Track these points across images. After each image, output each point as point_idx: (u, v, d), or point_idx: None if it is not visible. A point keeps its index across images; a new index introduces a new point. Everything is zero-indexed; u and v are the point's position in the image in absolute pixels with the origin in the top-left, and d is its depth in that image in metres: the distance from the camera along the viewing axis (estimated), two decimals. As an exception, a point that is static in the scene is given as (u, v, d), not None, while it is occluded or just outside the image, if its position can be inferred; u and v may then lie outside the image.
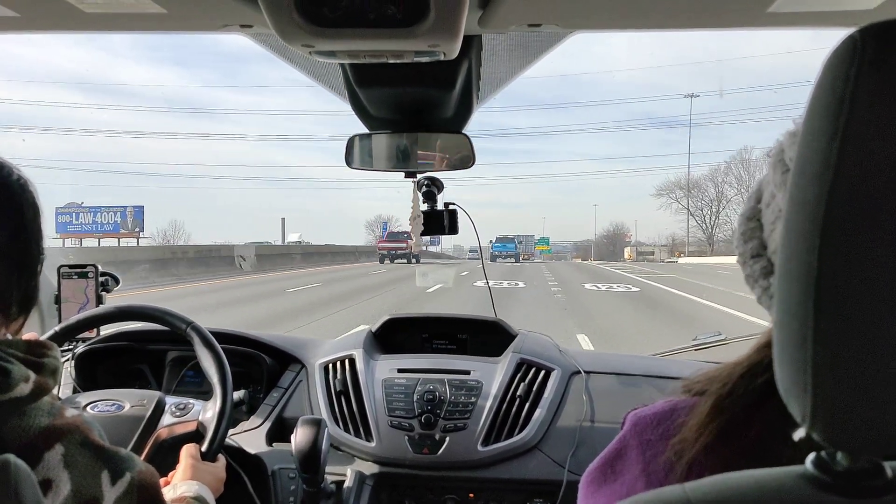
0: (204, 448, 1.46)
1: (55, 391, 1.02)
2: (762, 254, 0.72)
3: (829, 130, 0.46)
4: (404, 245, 36.33)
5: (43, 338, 1.20)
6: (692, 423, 0.72)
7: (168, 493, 1.29)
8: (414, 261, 36.53)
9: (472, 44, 1.45)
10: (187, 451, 1.43)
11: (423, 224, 1.93)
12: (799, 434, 0.52)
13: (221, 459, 1.50)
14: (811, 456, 0.54)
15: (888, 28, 0.46)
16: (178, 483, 1.34)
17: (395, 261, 36.10)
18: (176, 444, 1.49)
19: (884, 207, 0.45)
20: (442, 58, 1.26)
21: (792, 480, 0.53)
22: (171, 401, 1.60)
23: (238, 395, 1.77)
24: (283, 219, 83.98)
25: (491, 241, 57.90)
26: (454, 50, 1.22)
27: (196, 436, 1.53)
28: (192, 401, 1.62)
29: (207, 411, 1.56)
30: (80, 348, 2.09)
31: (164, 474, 1.36)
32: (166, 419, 1.55)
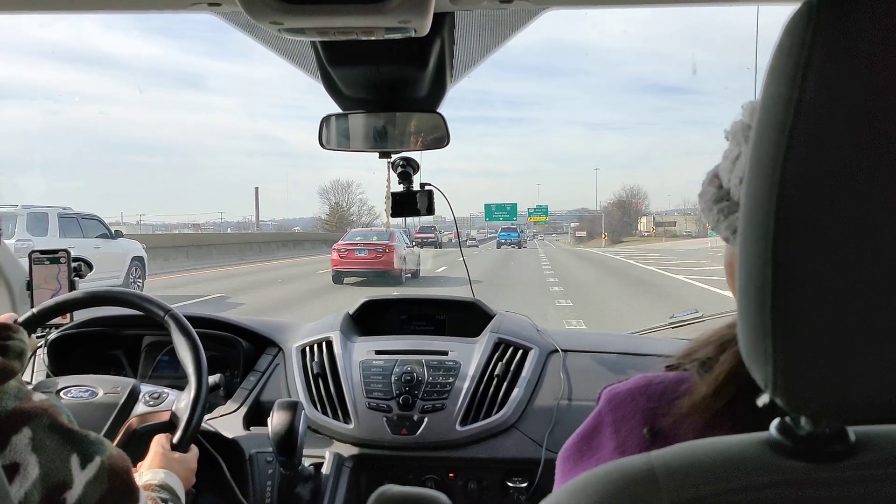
0: (175, 439, 1.44)
1: (23, 376, 1.01)
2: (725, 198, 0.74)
3: (785, 95, 0.46)
4: (433, 235, 50.58)
5: (11, 322, 1.18)
6: (709, 384, 0.71)
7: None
8: (439, 248, 46.72)
9: (444, 21, 1.44)
10: (158, 441, 1.41)
11: (398, 206, 1.91)
12: (763, 400, 0.52)
13: (194, 450, 1.49)
14: (775, 421, 0.54)
15: None
16: (144, 471, 1.32)
17: (425, 246, 43.31)
18: (148, 433, 1.48)
19: (837, 171, 0.45)
20: (413, 34, 1.24)
21: (755, 446, 0.53)
22: (145, 389, 1.58)
23: (214, 379, 1.76)
24: (257, 188, 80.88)
25: (497, 232, 71.06)
26: (425, 26, 1.21)
27: (169, 426, 1.51)
28: (166, 390, 1.60)
29: (181, 401, 1.54)
30: (54, 334, 2.06)
31: (135, 464, 1.35)
32: (139, 408, 1.53)
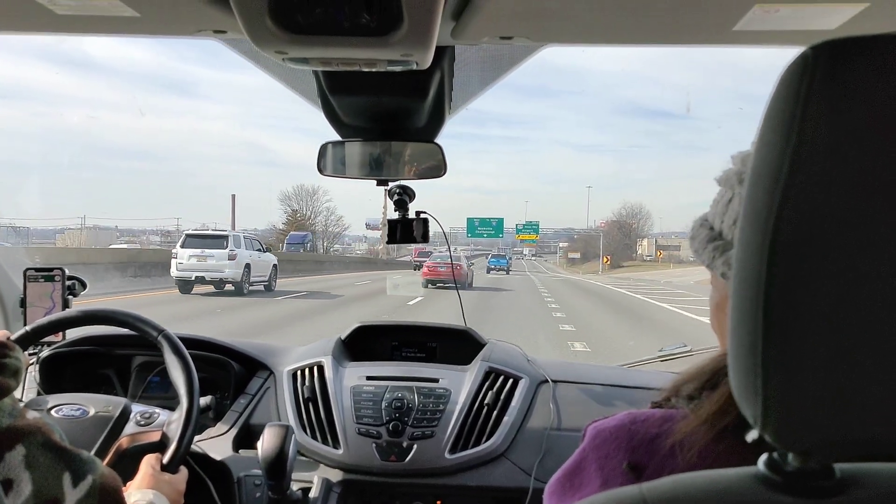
0: (165, 459, 1.44)
1: (17, 394, 1.02)
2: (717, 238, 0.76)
3: (780, 144, 0.48)
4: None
5: (6, 340, 1.19)
6: (700, 416, 0.72)
7: None
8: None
9: (444, 54, 1.47)
10: (147, 462, 1.41)
11: (394, 233, 1.93)
12: (752, 435, 0.54)
13: (183, 472, 1.48)
14: (763, 456, 0.55)
15: (838, 46, 0.48)
16: (133, 491, 1.32)
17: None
18: (138, 453, 1.47)
19: (830, 220, 0.47)
20: (415, 67, 1.27)
21: (745, 480, 0.54)
22: (136, 409, 1.58)
23: (205, 401, 1.76)
24: (234, 195, 69.21)
25: (487, 257, 68.89)
26: (427, 60, 1.24)
27: (159, 446, 1.51)
28: (157, 410, 1.60)
29: (172, 422, 1.53)
30: (46, 352, 2.06)
31: (124, 484, 1.35)
32: (130, 427, 1.53)
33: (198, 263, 18.76)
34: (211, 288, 19.55)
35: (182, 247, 19.22)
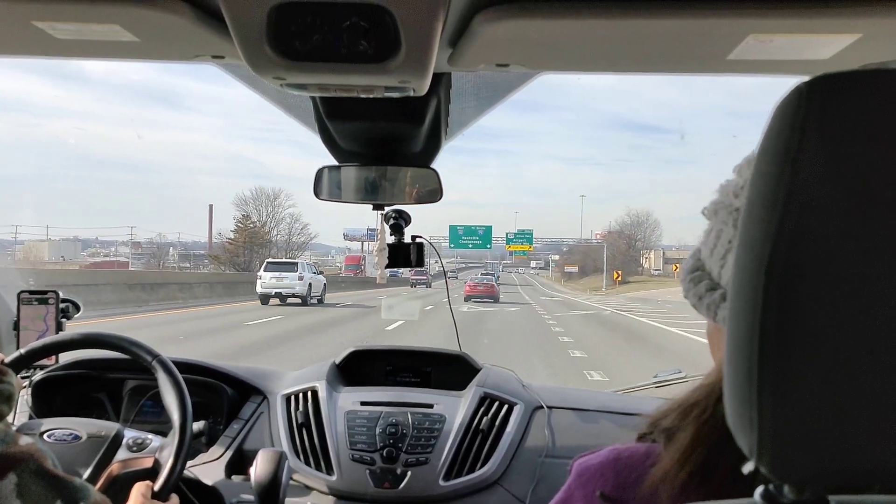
0: (157, 487, 1.42)
1: (9, 418, 1.01)
2: (716, 287, 0.74)
3: (775, 175, 0.49)
4: (424, 277, 54.76)
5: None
6: (672, 455, 0.71)
7: None
8: (425, 286, 53.30)
9: (441, 81, 1.48)
10: (138, 490, 1.39)
11: (389, 257, 1.94)
12: (748, 467, 0.54)
13: (174, 500, 1.47)
14: (759, 489, 0.55)
15: (832, 80, 0.48)
16: None
17: (417, 286, 52.94)
18: (130, 479, 1.45)
19: (826, 251, 0.47)
20: (412, 94, 1.28)
21: None
22: (129, 434, 1.57)
23: (197, 426, 1.74)
24: (211, 206, 65.93)
25: (475, 275, 62.60)
26: (424, 87, 1.25)
27: (151, 473, 1.50)
28: (150, 436, 1.59)
29: (165, 448, 1.52)
30: (38, 375, 2.04)
31: None
32: (122, 453, 1.51)
33: (276, 283, 25.32)
34: (276, 301, 25.74)
35: (265, 271, 26.16)
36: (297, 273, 25.85)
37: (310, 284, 26.37)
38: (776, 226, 0.48)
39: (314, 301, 26.91)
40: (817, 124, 0.48)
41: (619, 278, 67.38)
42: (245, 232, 59.36)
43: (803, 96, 0.49)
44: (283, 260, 32.21)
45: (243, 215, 61.15)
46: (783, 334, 0.48)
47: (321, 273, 31.58)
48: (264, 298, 25.60)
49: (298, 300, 25.79)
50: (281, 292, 25.38)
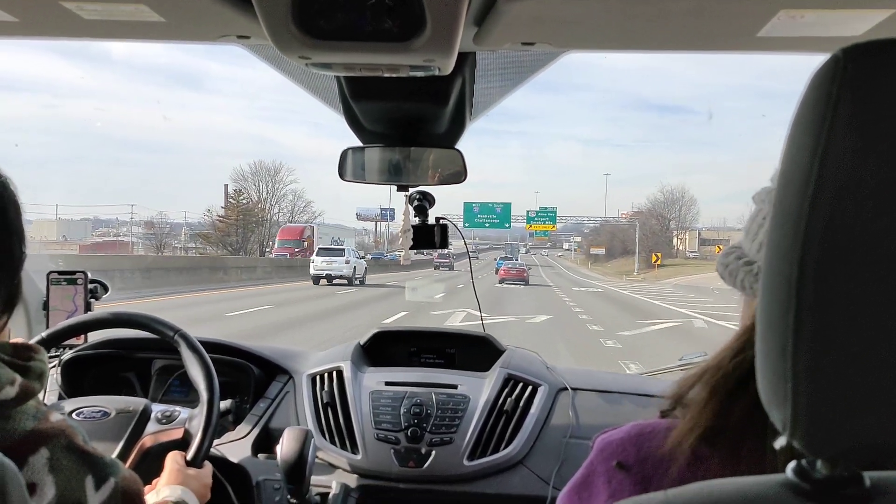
0: (190, 455, 1.45)
1: (40, 396, 1.02)
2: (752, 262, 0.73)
3: (811, 146, 0.48)
4: (447, 260, 57.52)
5: (31, 342, 1.20)
6: (686, 418, 0.72)
7: (150, 497, 1.28)
8: (451, 269, 55.21)
9: (466, 60, 1.47)
10: (172, 458, 1.42)
11: (413, 238, 1.94)
12: (780, 442, 0.53)
13: (208, 466, 1.49)
14: (792, 464, 0.55)
15: (869, 49, 0.47)
16: (162, 487, 1.33)
17: (441, 269, 55.73)
18: (161, 451, 1.48)
19: (861, 223, 0.46)
20: (437, 73, 1.27)
21: (773, 488, 0.54)
22: (157, 408, 1.59)
23: (225, 404, 1.76)
24: (227, 185, 57.33)
25: (496, 260, 62.55)
26: (449, 66, 1.24)
27: (182, 443, 1.52)
28: (178, 408, 1.61)
29: (194, 419, 1.55)
30: (67, 355, 2.08)
31: (149, 482, 1.35)
32: (152, 426, 1.54)
33: (327, 266, 29.81)
34: (324, 282, 29.81)
35: (317, 255, 30.80)
36: (345, 258, 30.38)
37: (354, 268, 30.61)
38: (811, 198, 0.47)
39: (357, 282, 30.70)
40: (853, 93, 0.47)
41: (659, 261, 60.51)
42: (237, 209, 55.19)
43: (840, 64, 0.48)
44: (333, 246, 35.56)
45: (236, 190, 57.01)
46: (818, 307, 0.47)
47: (363, 258, 36.09)
48: (316, 279, 29.85)
49: (345, 281, 29.96)
50: (331, 274, 29.84)
